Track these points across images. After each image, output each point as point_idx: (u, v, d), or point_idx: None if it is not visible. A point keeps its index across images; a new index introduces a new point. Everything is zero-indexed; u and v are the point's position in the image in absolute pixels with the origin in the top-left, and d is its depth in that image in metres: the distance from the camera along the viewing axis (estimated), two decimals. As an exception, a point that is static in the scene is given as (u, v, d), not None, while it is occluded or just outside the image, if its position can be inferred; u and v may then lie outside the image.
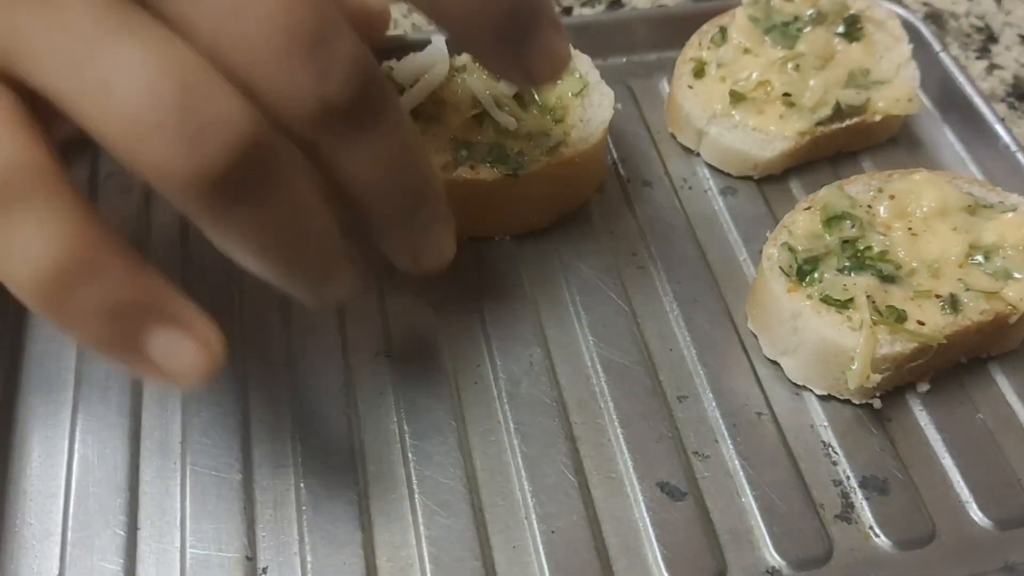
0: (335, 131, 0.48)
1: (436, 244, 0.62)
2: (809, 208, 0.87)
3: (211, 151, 0.42)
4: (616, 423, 0.82)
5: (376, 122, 0.50)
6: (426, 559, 0.74)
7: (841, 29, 1.04)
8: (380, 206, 0.55)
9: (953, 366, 0.86)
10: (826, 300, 0.81)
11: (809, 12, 1.04)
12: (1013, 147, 1.01)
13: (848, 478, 0.80)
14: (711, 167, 1.04)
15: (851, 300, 0.80)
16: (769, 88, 1.00)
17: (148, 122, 0.40)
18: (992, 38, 1.27)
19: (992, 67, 1.23)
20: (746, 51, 1.03)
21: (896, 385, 0.84)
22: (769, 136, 0.99)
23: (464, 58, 0.94)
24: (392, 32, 1.23)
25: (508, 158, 0.88)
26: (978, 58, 1.25)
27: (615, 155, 1.04)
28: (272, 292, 0.90)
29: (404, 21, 1.25)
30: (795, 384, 0.86)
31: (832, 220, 0.86)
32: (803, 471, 0.80)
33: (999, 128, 1.03)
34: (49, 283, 0.44)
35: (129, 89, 0.39)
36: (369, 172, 0.52)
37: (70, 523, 0.75)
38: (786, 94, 0.99)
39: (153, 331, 0.50)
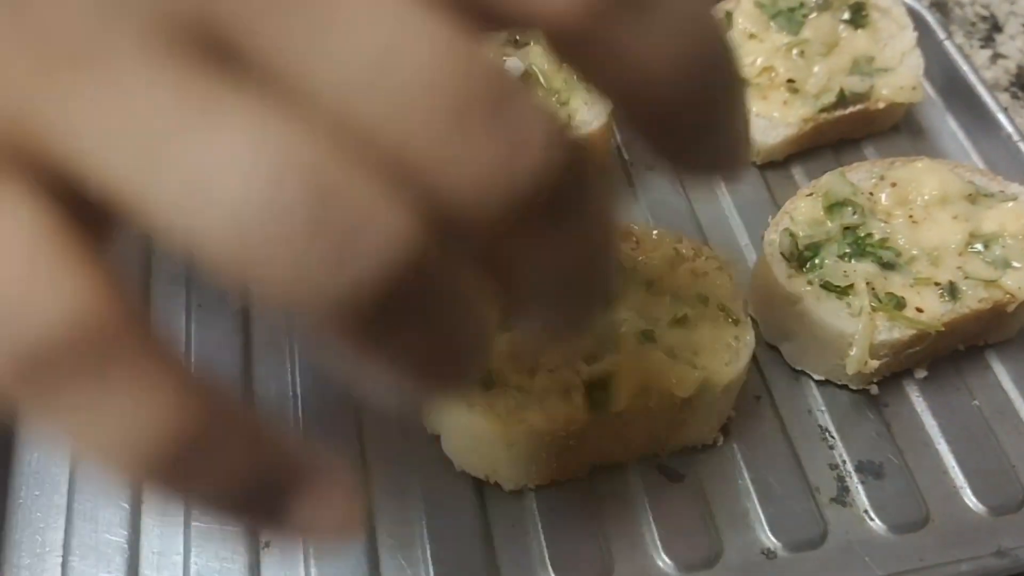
0: (523, 229, 0.32)
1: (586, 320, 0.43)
2: (811, 194, 0.88)
3: (360, 272, 0.29)
4: (616, 405, 0.83)
5: (577, 213, 0.34)
6: (426, 536, 0.75)
7: (846, 16, 1.04)
8: (553, 299, 0.39)
9: (951, 353, 0.87)
10: (826, 286, 0.81)
11: (815, -2, 1.04)
12: (1015, 136, 1.01)
13: (844, 462, 0.81)
14: (714, 152, 1.04)
15: (851, 286, 0.81)
16: (773, 74, 1.00)
17: (268, 236, 0.28)
18: (997, 27, 1.27)
19: (996, 56, 1.23)
20: (751, 36, 1.03)
21: (894, 371, 0.85)
22: (772, 122, 0.99)
23: (470, 39, 0.94)
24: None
25: (512, 140, 0.88)
26: (982, 47, 1.25)
27: (618, 139, 1.04)
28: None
29: None
30: (794, 369, 0.86)
31: (834, 207, 0.86)
32: (800, 455, 0.81)
33: (1002, 117, 1.03)
34: (156, 470, 0.33)
35: (238, 191, 0.27)
36: (554, 269, 0.36)
37: (75, 495, 0.76)
38: (790, 80, 0.99)
39: (291, 500, 0.39)
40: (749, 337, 0.77)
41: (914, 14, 1.09)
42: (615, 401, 0.72)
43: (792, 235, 0.85)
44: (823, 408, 0.84)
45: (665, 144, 0.39)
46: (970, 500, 0.79)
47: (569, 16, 0.33)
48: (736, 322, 0.77)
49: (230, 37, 0.28)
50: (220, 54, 0.28)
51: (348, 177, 0.29)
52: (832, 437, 0.82)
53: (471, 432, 0.72)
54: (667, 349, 0.74)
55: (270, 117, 0.28)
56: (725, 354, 0.75)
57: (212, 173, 0.27)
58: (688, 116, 0.37)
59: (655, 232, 0.82)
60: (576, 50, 0.35)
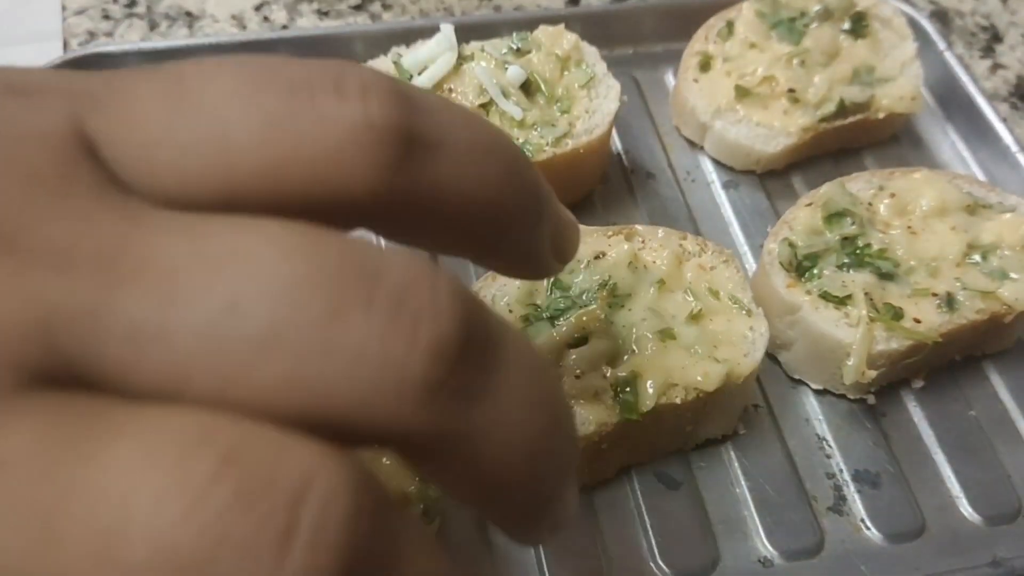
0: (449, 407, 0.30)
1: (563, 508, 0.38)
2: (810, 204, 0.88)
3: (312, 551, 0.26)
4: (614, 412, 0.83)
5: (498, 368, 0.32)
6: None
7: (847, 26, 1.05)
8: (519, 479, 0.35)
9: (948, 364, 0.87)
10: (824, 296, 0.82)
11: (816, 8, 1.04)
12: (1014, 147, 1.02)
13: (841, 471, 0.81)
14: (714, 161, 1.04)
15: (849, 296, 0.81)
16: (774, 83, 1.00)
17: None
18: (997, 37, 1.28)
19: (996, 67, 1.24)
20: (752, 46, 1.03)
21: (891, 381, 0.85)
22: (773, 131, 0.99)
23: (472, 47, 0.95)
24: (399, 18, 1.24)
25: (513, 148, 0.88)
26: (982, 57, 1.25)
27: (619, 146, 1.05)
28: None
29: (412, 7, 1.25)
30: (792, 378, 0.87)
31: (833, 217, 0.86)
32: (797, 463, 0.81)
33: (1001, 128, 1.03)
34: None
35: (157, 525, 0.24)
36: (505, 440, 0.33)
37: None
38: (791, 90, 0.99)
39: None
40: (764, 327, 0.77)
41: (914, 24, 1.09)
42: (643, 401, 0.72)
43: (791, 245, 0.85)
44: (821, 417, 0.84)
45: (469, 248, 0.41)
46: (966, 510, 0.80)
47: (369, 183, 0.32)
48: (749, 313, 0.78)
49: (83, 365, 0.26)
50: (77, 382, 0.26)
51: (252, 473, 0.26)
52: (829, 446, 0.82)
53: None
54: (687, 345, 0.75)
55: (151, 433, 0.25)
56: (743, 345, 0.76)
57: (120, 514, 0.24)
58: (494, 225, 0.39)
59: (660, 232, 0.83)
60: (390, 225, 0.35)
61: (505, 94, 0.90)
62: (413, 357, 0.28)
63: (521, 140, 0.89)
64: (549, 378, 0.36)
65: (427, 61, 0.92)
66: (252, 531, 0.25)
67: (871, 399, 0.84)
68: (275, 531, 0.25)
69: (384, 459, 0.69)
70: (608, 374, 0.73)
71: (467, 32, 0.97)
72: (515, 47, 0.96)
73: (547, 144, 0.89)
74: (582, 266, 0.80)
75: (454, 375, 0.29)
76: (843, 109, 1.00)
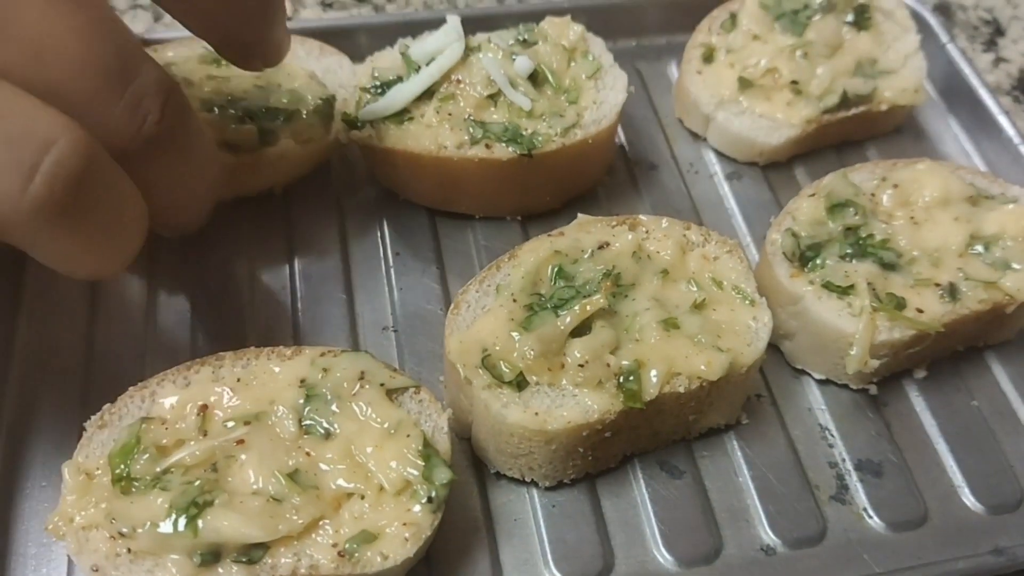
0: (146, 153, 0.59)
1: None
2: (813, 195, 0.88)
3: (49, 180, 0.51)
4: (618, 401, 0.84)
5: (176, 143, 0.62)
6: (430, 529, 0.75)
7: (850, 18, 1.05)
8: (170, 209, 0.67)
9: (950, 354, 0.88)
10: (827, 286, 0.82)
11: (819, 0, 1.04)
12: (1016, 139, 1.02)
13: (844, 460, 0.81)
14: (717, 152, 1.05)
15: (852, 287, 0.81)
16: (777, 75, 1.00)
17: None
18: (999, 31, 1.28)
19: (999, 60, 1.24)
20: (755, 37, 1.03)
21: (893, 371, 0.85)
22: (776, 123, 1.00)
23: (480, 38, 0.95)
24: (405, 10, 1.24)
25: (522, 138, 0.88)
26: (985, 51, 1.25)
27: (623, 138, 1.05)
28: (283, 264, 0.92)
29: (416, 0, 1.25)
30: (794, 368, 0.87)
31: (836, 207, 0.87)
32: (800, 453, 0.82)
33: (1003, 120, 1.04)
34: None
35: None
36: (170, 184, 0.65)
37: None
38: (794, 82, 0.99)
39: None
40: (767, 317, 0.78)
41: (917, 17, 1.10)
42: (647, 390, 0.73)
43: (794, 235, 0.85)
44: (823, 407, 0.85)
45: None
46: (968, 499, 0.80)
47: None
48: (752, 303, 0.78)
49: None
50: None
51: (28, 103, 0.51)
52: (832, 436, 0.83)
53: (509, 434, 0.73)
54: (691, 335, 0.75)
55: None
56: (746, 335, 0.77)
57: None
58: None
59: (664, 222, 0.83)
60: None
61: (513, 84, 0.90)
62: (142, 119, 0.58)
63: (530, 130, 0.89)
64: (206, 152, 0.69)
65: (434, 52, 0.92)
66: (8, 165, 0.49)
67: (873, 389, 0.85)
68: (25, 165, 0.50)
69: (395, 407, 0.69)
70: (612, 363, 0.74)
71: (472, 24, 0.97)
72: (522, 38, 0.96)
73: (556, 134, 0.89)
74: (586, 256, 0.80)
75: (158, 136, 0.60)
76: (846, 101, 1.00)
